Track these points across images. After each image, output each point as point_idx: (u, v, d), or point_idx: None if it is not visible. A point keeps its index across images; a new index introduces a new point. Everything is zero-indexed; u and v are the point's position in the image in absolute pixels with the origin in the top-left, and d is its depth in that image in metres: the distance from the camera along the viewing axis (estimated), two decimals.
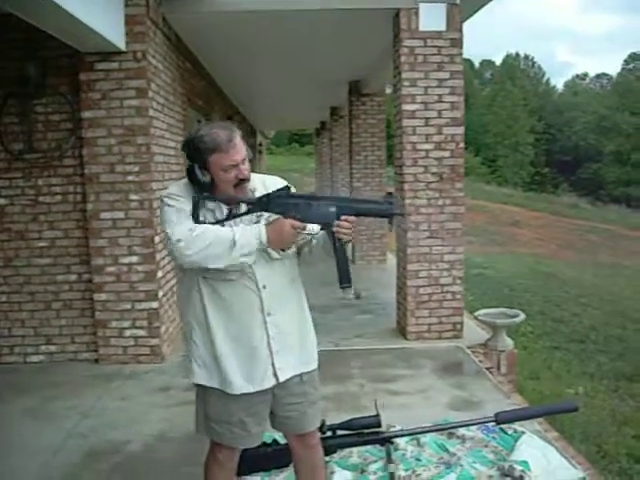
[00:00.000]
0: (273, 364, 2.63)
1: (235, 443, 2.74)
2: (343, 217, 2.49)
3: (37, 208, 6.09)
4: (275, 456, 3.70)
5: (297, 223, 2.49)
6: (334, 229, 2.49)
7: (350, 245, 2.64)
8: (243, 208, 2.58)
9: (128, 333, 5.97)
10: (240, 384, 2.61)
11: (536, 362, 10.29)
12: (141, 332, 5.97)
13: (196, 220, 2.50)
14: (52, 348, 6.21)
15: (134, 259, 5.88)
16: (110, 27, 5.30)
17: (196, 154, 2.52)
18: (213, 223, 2.53)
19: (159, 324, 5.95)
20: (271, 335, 2.62)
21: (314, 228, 2.55)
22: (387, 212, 2.55)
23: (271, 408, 2.75)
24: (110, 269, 5.91)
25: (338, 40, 7.86)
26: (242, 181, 2.56)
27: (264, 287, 2.59)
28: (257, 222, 2.57)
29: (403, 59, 6.27)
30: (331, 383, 5.22)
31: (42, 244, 6.12)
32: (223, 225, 2.53)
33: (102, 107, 5.74)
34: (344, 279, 2.58)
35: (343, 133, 14.25)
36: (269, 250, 2.55)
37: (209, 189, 2.54)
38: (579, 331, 12.99)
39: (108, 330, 5.99)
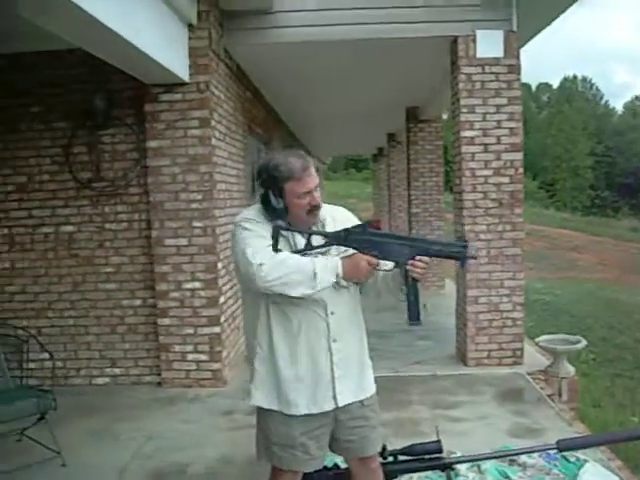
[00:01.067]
0: (334, 388, 2.67)
1: (297, 467, 2.75)
2: (417, 257, 2.55)
3: (103, 235, 6.30)
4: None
5: (373, 260, 2.56)
6: (408, 267, 2.56)
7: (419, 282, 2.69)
8: (319, 240, 2.64)
9: (190, 357, 6.08)
10: (302, 405, 2.65)
11: (598, 390, 10.09)
12: (203, 356, 6.07)
13: (276, 248, 2.56)
14: (116, 371, 6.37)
15: (197, 285, 6.00)
16: (174, 60, 5.48)
17: (271, 181, 2.59)
18: (292, 252, 2.60)
19: (221, 348, 6.05)
20: (334, 361, 2.66)
21: (388, 265, 2.63)
22: (460, 255, 2.59)
23: (333, 433, 2.78)
24: (174, 294, 6.05)
25: (396, 67, 7.94)
26: (315, 208, 2.63)
27: (332, 313, 2.65)
28: (324, 254, 2.63)
29: (461, 86, 6.31)
30: (391, 409, 5.24)
31: (108, 270, 6.31)
32: (302, 255, 2.59)
33: (166, 137, 5.92)
34: (413, 316, 2.68)
35: (400, 159, 14.28)
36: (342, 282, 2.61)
37: (282, 215, 2.61)
38: None
39: (171, 354, 6.11)
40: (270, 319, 2.66)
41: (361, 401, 2.77)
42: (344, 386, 2.69)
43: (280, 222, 2.60)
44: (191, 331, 6.06)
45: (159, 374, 6.21)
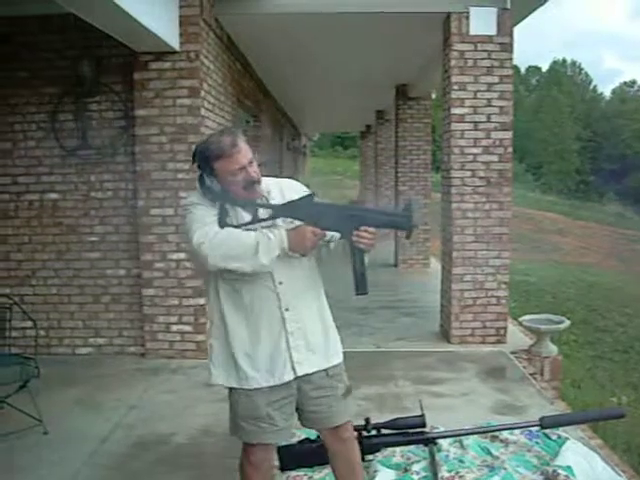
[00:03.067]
0: (291, 358, 2.66)
1: (265, 439, 2.74)
2: (363, 227, 2.53)
3: (89, 203, 6.25)
4: (318, 452, 3.70)
5: (317, 230, 2.54)
6: (353, 239, 2.54)
7: (369, 252, 2.65)
8: (264, 213, 2.61)
9: (175, 328, 6.08)
10: (261, 378, 2.65)
11: (579, 371, 10.19)
12: (187, 328, 6.06)
13: (222, 224, 2.55)
14: (100, 341, 6.35)
15: (182, 255, 5.96)
16: (165, 28, 5.41)
17: (203, 163, 2.57)
18: (235, 226, 2.57)
19: (205, 320, 6.02)
20: (289, 330, 2.65)
21: (334, 235, 2.64)
22: (405, 225, 2.57)
23: (298, 404, 2.77)
24: (158, 265, 6.02)
25: (386, 43, 7.89)
26: (251, 183, 2.59)
27: (280, 283, 2.63)
28: (270, 227, 2.60)
29: (453, 63, 6.28)
30: (373, 384, 5.26)
31: (93, 239, 6.27)
32: (246, 229, 2.58)
33: (155, 105, 5.86)
34: (360, 287, 2.64)
35: (389, 136, 14.26)
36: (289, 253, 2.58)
37: (220, 195, 2.58)
38: (623, 341, 12.84)
39: (155, 325, 6.10)
40: (219, 295, 2.66)
41: (325, 370, 2.75)
42: (303, 355, 2.68)
43: (225, 194, 2.58)
44: (176, 302, 6.04)
45: (143, 345, 6.20)
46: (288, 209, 2.57)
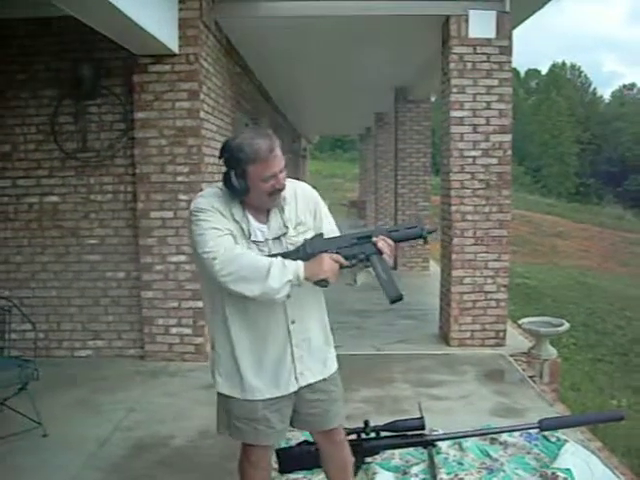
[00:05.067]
0: (295, 369, 2.65)
1: (261, 441, 2.74)
2: (381, 236, 2.53)
3: (88, 206, 6.26)
4: (317, 455, 3.72)
5: (335, 256, 2.49)
6: (379, 244, 2.51)
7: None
8: (275, 228, 2.62)
9: (174, 331, 6.08)
10: (265, 390, 2.63)
11: (578, 374, 10.18)
12: (187, 330, 6.07)
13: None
14: (99, 343, 6.36)
15: (182, 258, 5.97)
16: (164, 30, 5.43)
17: (234, 162, 2.47)
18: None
19: (204, 323, 6.03)
20: (294, 343, 2.63)
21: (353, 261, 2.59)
22: (418, 233, 2.59)
23: (294, 407, 2.77)
24: (158, 267, 6.03)
25: (386, 46, 7.90)
26: (278, 190, 2.55)
27: (288, 296, 2.48)
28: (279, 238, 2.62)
29: (452, 66, 6.29)
30: (372, 386, 5.27)
31: (92, 241, 6.28)
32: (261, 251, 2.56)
33: (154, 108, 5.87)
34: (391, 292, 2.54)
35: (388, 139, 14.26)
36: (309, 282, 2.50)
37: (242, 195, 2.53)
38: (623, 344, 12.83)
39: (154, 327, 6.10)
40: (225, 306, 2.60)
41: (324, 378, 2.76)
42: (305, 365, 2.67)
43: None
44: (175, 304, 6.05)
45: (142, 347, 6.21)
46: (310, 247, 2.52)
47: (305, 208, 2.69)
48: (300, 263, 2.45)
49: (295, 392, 2.70)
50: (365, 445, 3.67)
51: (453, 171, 6.37)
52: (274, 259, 2.44)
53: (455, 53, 6.28)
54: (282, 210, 2.63)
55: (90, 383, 5.61)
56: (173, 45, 5.66)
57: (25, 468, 3.98)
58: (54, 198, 6.26)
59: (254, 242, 2.57)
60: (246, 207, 2.59)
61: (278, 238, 2.60)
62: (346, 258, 2.53)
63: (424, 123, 11.60)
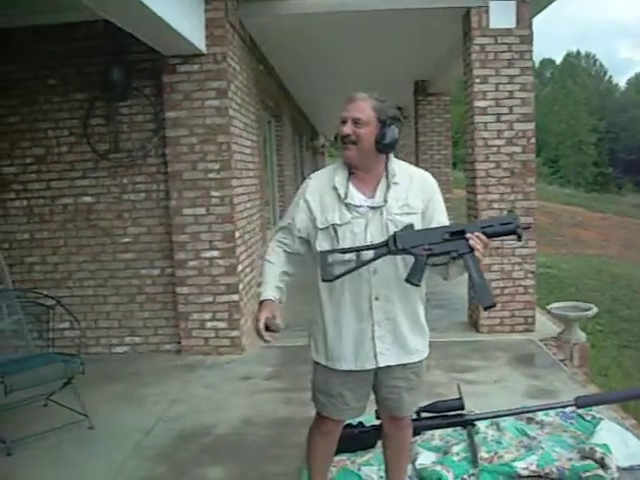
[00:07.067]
0: (375, 347, 2.69)
1: (335, 414, 2.85)
2: (476, 233, 2.52)
3: (122, 205, 6.39)
4: (360, 438, 3.83)
5: (259, 316, 2.66)
6: (470, 242, 2.50)
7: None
8: (380, 196, 2.67)
9: (209, 325, 6.20)
10: (345, 361, 2.72)
11: (605, 360, 10.22)
12: (222, 324, 6.19)
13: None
14: (136, 340, 6.49)
15: (215, 253, 6.09)
16: (192, 30, 5.54)
17: None
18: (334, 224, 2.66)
19: (239, 316, 6.15)
20: (375, 320, 2.66)
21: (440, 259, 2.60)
22: (513, 229, 2.56)
23: (373, 387, 2.85)
24: (192, 263, 6.15)
25: (407, 40, 7.99)
26: (342, 137, 2.65)
27: (374, 271, 2.62)
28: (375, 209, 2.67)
29: (474, 56, 6.36)
30: None
31: (126, 240, 6.41)
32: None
33: (184, 107, 5.99)
34: (485, 299, 2.58)
35: (408, 133, 14.28)
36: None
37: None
38: None
39: (190, 322, 6.22)
40: (317, 275, 2.69)
41: (404, 365, 2.77)
42: (386, 346, 2.69)
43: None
44: (210, 299, 6.17)
45: (178, 342, 6.33)
46: (400, 241, 2.55)
47: (417, 193, 2.71)
48: (262, 296, 2.73)
49: (375, 374, 2.77)
50: None
51: (478, 160, 6.44)
52: (267, 282, 2.77)
53: (477, 44, 6.35)
54: (389, 187, 2.67)
55: (129, 378, 5.74)
56: (201, 45, 5.77)
57: (74, 459, 4.10)
58: (88, 199, 6.39)
59: (350, 205, 2.65)
60: (353, 178, 2.71)
61: (378, 208, 2.64)
62: (438, 255, 2.56)
63: (444, 116, 11.67)
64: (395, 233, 2.56)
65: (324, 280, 2.60)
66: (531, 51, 6.45)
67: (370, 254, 2.58)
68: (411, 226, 2.58)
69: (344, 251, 2.60)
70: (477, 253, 2.51)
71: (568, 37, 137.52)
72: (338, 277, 2.58)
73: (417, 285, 2.57)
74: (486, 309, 2.62)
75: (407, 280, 2.56)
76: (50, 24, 6.07)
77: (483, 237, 2.51)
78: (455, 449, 3.80)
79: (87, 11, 4.55)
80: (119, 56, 6.11)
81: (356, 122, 2.62)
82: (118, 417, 4.81)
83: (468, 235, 2.51)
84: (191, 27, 5.49)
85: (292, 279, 2.89)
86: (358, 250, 2.58)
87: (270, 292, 2.73)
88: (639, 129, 58.82)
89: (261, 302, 2.72)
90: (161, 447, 4.25)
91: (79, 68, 6.29)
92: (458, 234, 2.54)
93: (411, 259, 2.57)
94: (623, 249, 26.38)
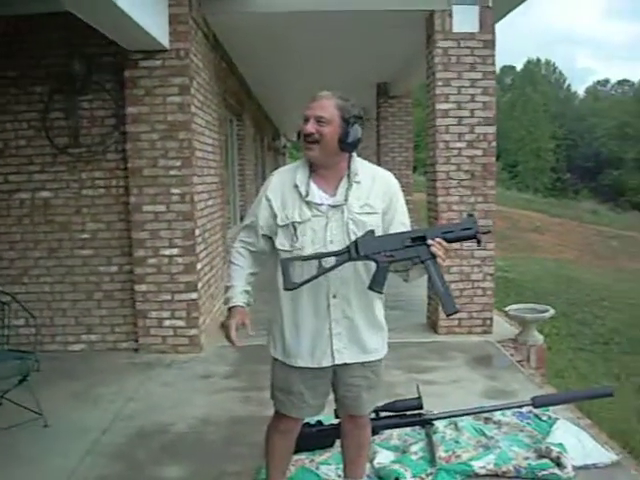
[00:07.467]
0: (332, 345, 2.70)
1: (294, 412, 2.85)
2: (437, 239, 2.53)
3: (80, 201, 6.29)
4: (319, 437, 3.83)
5: (229, 323, 2.73)
6: (432, 249, 2.51)
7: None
8: (341, 195, 2.67)
9: (167, 323, 6.14)
10: (301, 358, 2.73)
11: (561, 362, 10.36)
12: (180, 322, 6.13)
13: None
14: (93, 337, 6.40)
15: (175, 251, 6.05)
16: (156, 26, 5.49)
17: None
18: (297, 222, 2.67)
19: (198, 315, 6.11)
20: (333, 317, 2.68)
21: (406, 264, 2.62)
22: (474, 235, 2.58)
23: (333, 386, 2.86)
24: (151, 261, 6.09)
25: (369, 41, 8.02)
26: (306, 139, 2.64)
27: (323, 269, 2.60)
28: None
29: (437, 59, 6.40)
30: None
31: (85, 236, 6.32)
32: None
33: (145, 103, 5.93)
34: (449, 306, 2.57)
35: (369, 135, 14.36)
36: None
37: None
38: (603, 333, 13.06)
39: (148, 320, 6.16)
40: (277, 273, 2.70)
41: (362, 363, 2.78)
42: (343, 344, 2.70)
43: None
44: (168, 297, 6.12)
45: (136, 340, 6.25)
46: (362, 248, 2.55)
47: (379, 193, 2.71)
48: (230, 302, 2.76)
49: (334, 372, 2.78)
50: None
51: (439, 162, 6.48)
52: (234, 286, 2.79)
53: (440, 47, 6.39)
54: (350, 186, 2.67)
55: (86, 375, 5.67)
56: (164, 40, 5.72)
57: (28, 457, 4.03)
58: (46, 193, 6.29)
59: (310, 203, 2.65)
60: (315, 176, 2.71)
61: (339, 207, 2.64)
62: (400, 261, 2.57)
63: (406, 118, 11.75)
64: (357, 240, 2.57)
65: (286, 289, 2.60)
66: (493, 55, 6.51)
67: (332, 261, 2.58)
68: (372, 232, 2.58)
69: (305, 259, 2.60)
70: (439, 259, 2.53)
71: (529, 45, 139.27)
72: (299, 286, 2.59)
73: (380, 292, 2.59)
74: (449, 316, 2.62)
75: (370, 288, 2.58)
76: (8, 15, 5.95)
77: (444, 243, 2.54)
78: (413, 448, 3.82)
79: (48, 3, 4.47)
80: (79, 49, 6.01)
81: (319, 120, 2.61)
82: (74, 415, 4.74)
83: (429, 242, 2.53)
84: (154, 22, 5.44)
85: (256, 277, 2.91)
86: (320, 257, 2.58)
87: (240, 297, 2.76)
88: (596, 137, 59.78)
89: (230, 308, 2.72)
90: (118, 445, 4.20)
91: (38, 60, 6.18)
92: (419, 240, 2.55)
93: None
94: (579, 254, 26.78)
